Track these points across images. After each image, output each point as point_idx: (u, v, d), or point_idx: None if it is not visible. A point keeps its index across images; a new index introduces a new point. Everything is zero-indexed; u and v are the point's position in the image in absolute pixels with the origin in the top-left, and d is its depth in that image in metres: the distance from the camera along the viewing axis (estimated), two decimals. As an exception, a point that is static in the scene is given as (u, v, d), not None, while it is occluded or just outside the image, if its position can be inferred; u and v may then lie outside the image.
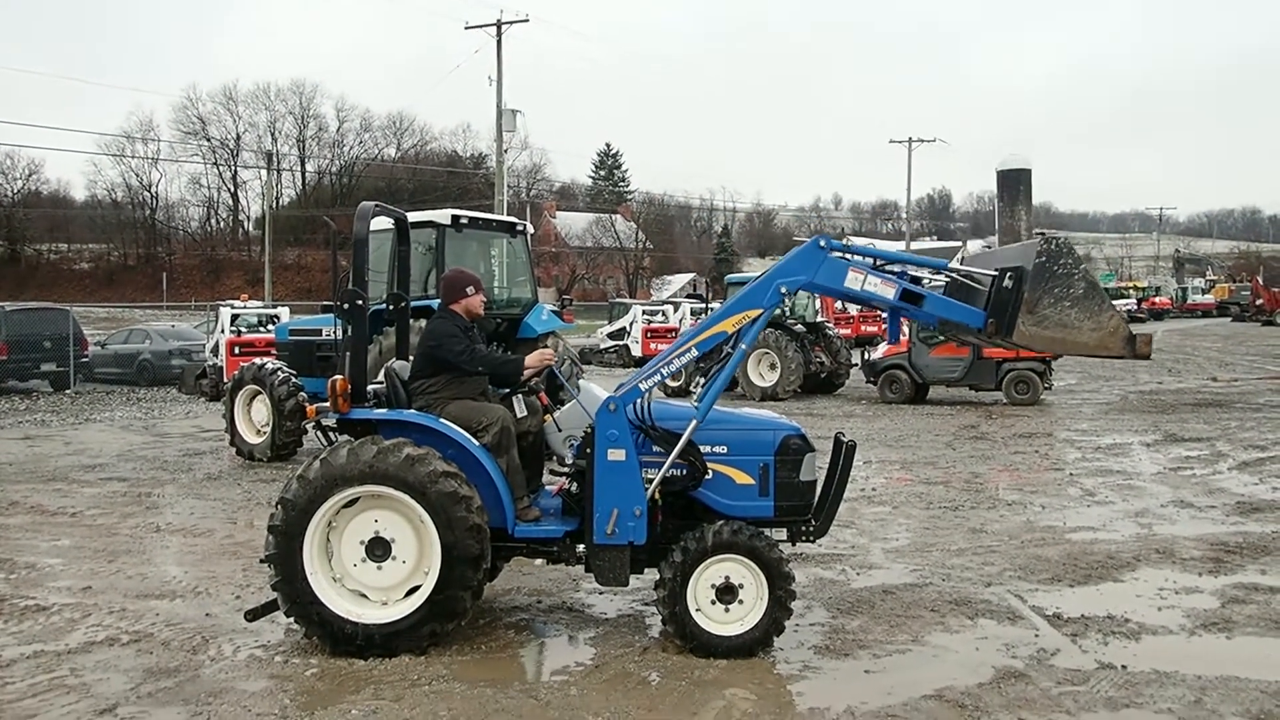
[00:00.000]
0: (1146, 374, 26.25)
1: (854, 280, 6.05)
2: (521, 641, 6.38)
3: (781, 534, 6.34)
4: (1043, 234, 6.05)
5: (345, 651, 5.92)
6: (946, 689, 5.46)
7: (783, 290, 6.04)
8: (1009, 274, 5.89)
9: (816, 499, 6.41)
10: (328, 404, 6.22)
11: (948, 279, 6.44)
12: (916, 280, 6.19)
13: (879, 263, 6.24)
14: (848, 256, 6.15)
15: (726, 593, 5.93)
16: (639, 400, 6.13)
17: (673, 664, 5.84)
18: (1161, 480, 11.47)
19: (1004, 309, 5.87)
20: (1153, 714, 5.11)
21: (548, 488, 6.96)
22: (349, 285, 6.21)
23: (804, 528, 6.37)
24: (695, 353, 6.21)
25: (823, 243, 6.08)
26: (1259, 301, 56.52)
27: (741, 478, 6.16)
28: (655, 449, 6.13)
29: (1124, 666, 5.76)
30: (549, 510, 6.54)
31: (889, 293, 6.06)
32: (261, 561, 6.11)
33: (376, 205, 6.62)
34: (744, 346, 6.09)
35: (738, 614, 5.95)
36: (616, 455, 5.99)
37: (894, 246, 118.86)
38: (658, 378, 6.18)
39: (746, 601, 5.94)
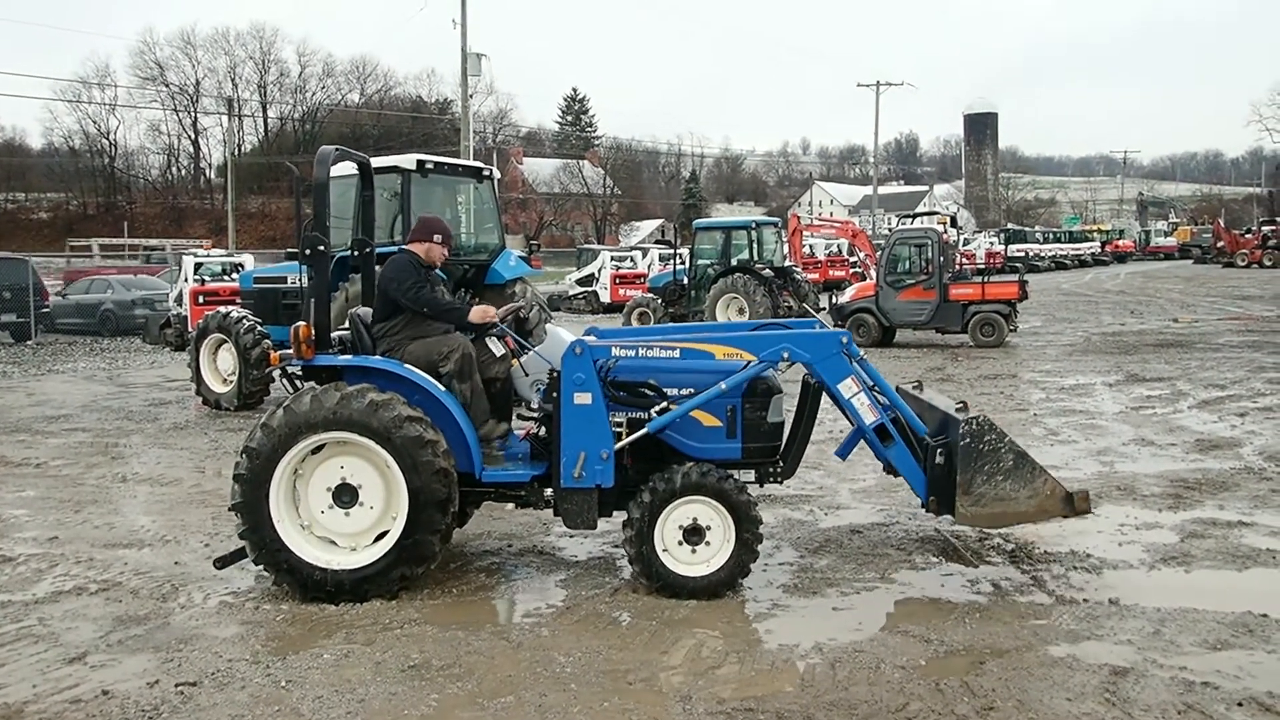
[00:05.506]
0: (1109, 316, 26.51)
1: (848, 388, 6.12)
2: (493, 585, 6.41)
3: (749, 475, 6.39)
4: (963, 405, 6.19)
5: (315, 598, 5.94)
6: (912, 625, 5.54)
7: (785, 355, 6.08)
8: (940, 450, 6.02)
9: (784, 440, 6.45)
10: (291, 351, 6.18)
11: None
12: (895, 423, 6.23)
13: (874, 386, 6.27)
14: (860, 367, 6.20)
15: (694, 534, 5.97)
16: (606, 361, 6.14)
17: (643, 605, 5.89)
18: (1123, 419, 11.63)
19: (942, 487, 6.04)
20: (1112, 645, 5.21)
21: (515, 433, 6.96)
22: (311, 231, 6.14)
23: (772, 469, 6.41)
24: (678, 355, 6.25)
25: (844, 339, 6.16)
26: (1220, 244, 56.92)
27: (709, 420, 6.17)
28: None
29: (1085, 600, 5.86)
30: (517, 455, 6.55)
31: (869, 417, 6.14)
32: (229, 510, 6.08)
33: (337, 149, 6.53)
34: (723, 386, 6.04)
35: (704, 555, 5.99)
36: (583, 399, 5.99)
37: (861, 191, 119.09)
38: (633, 352, 6.21)
39: (713, 543, 5.99)
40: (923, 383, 7.30)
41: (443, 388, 6.18)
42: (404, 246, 6.68)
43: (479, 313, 6.50)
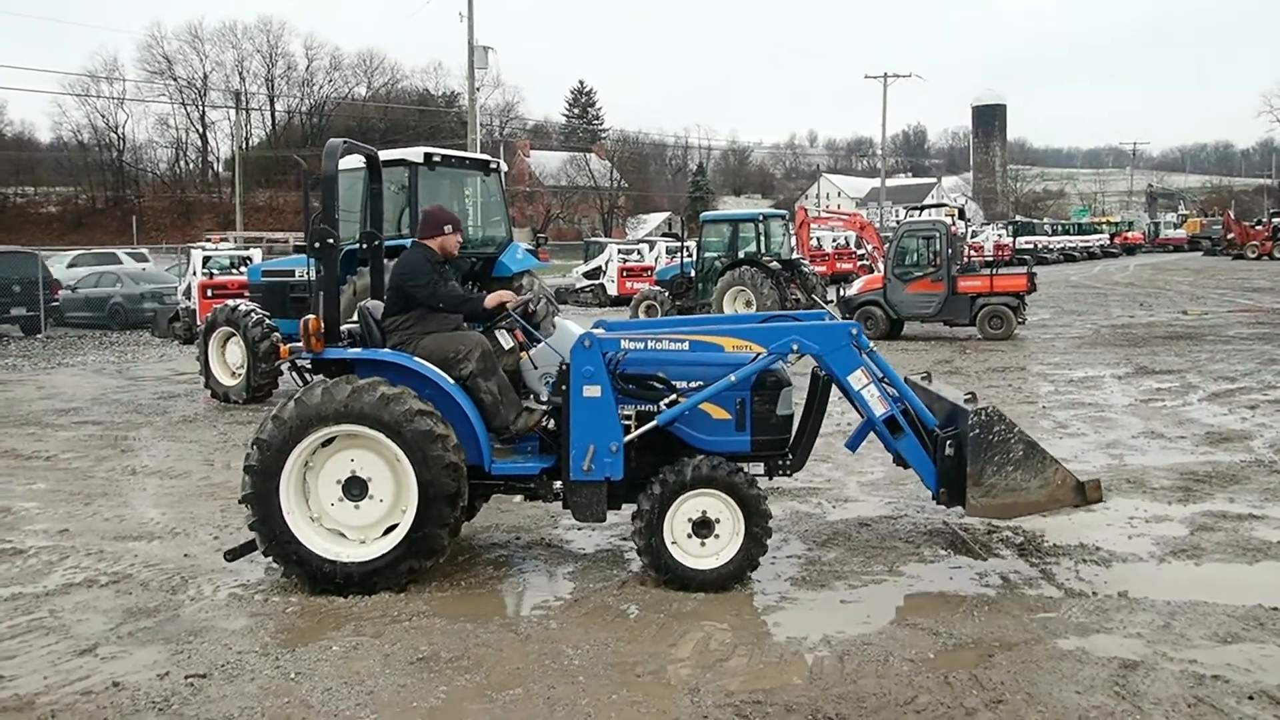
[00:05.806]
0: (1119, 308, 26.43)
1: (858, 379, 6.12)
2: (501, 577, 6.42)
3: (758, 468, 6.38)
4: (972, 396, 6.20)
5: (324, 590, 5.95)
6: (921, 618, 5.54)
7: (794, 348, 6.05)
8: (949, 442, 6.03)
9: (793, 433, 6.44)
10: (301, 344, 6.19)
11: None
12: (905, 415, 6.21)
13: (883, 378, 6.26)
14: (869, 359, 6.19)
15: (703, 527, 5.97)
16: (615, 353, 6.13)
17: (651, 597, 5.90)
18: (1133, 412, 11.60)
19: (952, 478, 6.06)
20: (1122, 638, 5.20)
21: None
22: (319, 224, 6.15)
23: (780, 462, 6.41)
24: (687, 347, 6.25)
25: (854, 330, 6.16)
26: (1230, 236, 56.68)
27: (718, 413, 6.17)
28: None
29: (1094, 593, 5.86)
30: (526, 448, 6.55)
31: (879, 409, 6.14)
32: (239, 502, 6.10)
33: (346, 142, 6.53)
34: (733, 378, 6.02)
35: (713, 548, 5.99)
36: (592, 391, 5.99)
37: (869, 183, 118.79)
38: (642, 345, 6.21)
39: (722, 536, 5.99)
40: (931, 374, 7.29)
41: (452, 380, 6.17)
42: (417, 242, 6.66)
43: (494, 298, 6.52)
